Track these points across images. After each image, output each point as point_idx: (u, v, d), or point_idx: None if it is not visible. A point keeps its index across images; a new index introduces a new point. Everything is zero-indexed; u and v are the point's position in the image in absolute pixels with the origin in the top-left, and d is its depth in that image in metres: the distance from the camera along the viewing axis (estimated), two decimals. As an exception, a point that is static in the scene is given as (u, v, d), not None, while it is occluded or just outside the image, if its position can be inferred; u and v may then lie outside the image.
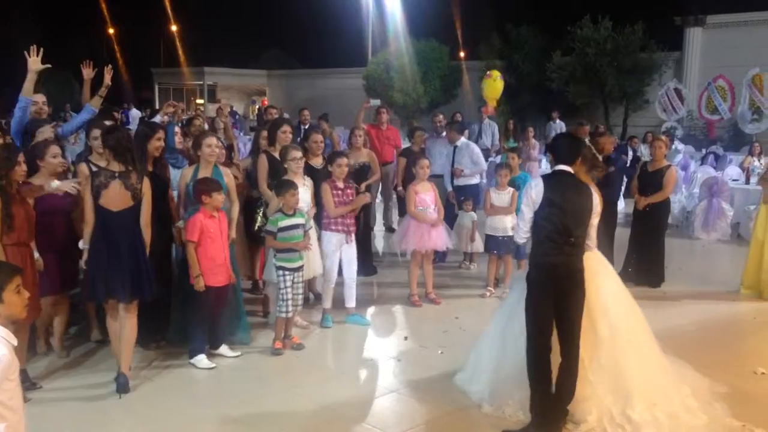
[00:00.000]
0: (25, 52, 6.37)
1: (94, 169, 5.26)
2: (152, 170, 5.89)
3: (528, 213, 4.58)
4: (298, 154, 6.54)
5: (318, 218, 6.80)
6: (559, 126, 17.78)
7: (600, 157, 5.21)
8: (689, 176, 13.14)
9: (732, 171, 13.17)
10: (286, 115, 14.13)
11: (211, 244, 5.62)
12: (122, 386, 5.13)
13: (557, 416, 4.52)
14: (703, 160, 14.98)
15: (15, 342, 2.98)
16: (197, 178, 5.84)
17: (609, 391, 4.66)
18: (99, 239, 5.10)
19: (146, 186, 5.23)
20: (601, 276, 4.89)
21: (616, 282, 5.05)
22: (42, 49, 6.37)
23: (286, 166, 6.50)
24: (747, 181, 12.02)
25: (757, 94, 18.04)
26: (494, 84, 14.43)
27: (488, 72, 15.29)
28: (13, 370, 2.94)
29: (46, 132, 6.19)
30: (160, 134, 5.96)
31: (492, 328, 5.22)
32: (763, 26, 21.68)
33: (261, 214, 6.74)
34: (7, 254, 4.85)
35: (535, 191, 4.52)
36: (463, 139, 9.36)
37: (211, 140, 6.10)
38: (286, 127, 7.07)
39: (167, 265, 6.06)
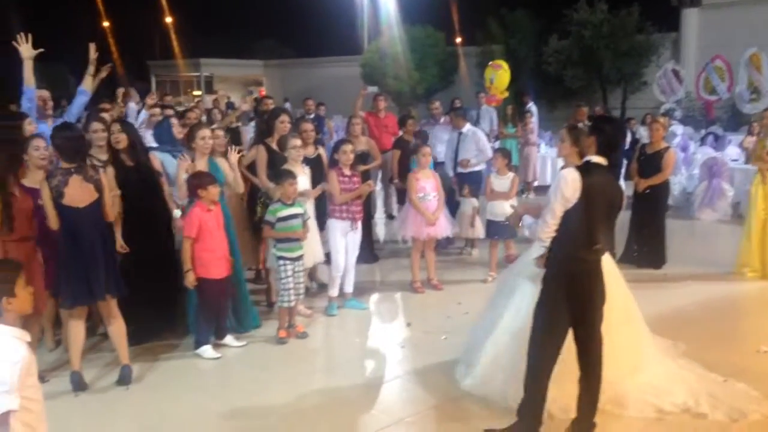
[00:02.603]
0: (14, 43, 6.22)
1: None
2: (133, 164, 5.80)
3: (560, 212, 3.98)
4: (298, 142, 6.57)
5: (323, 205, 6.81)
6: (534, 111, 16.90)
7: None
8: (689, 157, 13.13)
9: (731, 151, 13.15)
10: (288, 105, 14.04)
11: (209, 238, 5.61)
12: (126, 377, 5.14)
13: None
14: (702, 141, 14.94)
15: (29, 338, 3.07)
16: (191, 173, 5.82)
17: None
18: (70, 241, 4.89)
19: (104, 178, 5.12)
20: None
21: (609, 260, 5.06)
22: (31, 35, 6.22)
23: (286, 154, 6.51)
24: (747, 161, 12.00)
25: (755, 74, 17.97)
26: (505, 74, 14.36)
27: (496, 63, 15.05)
28: (33, 366, 3.02)
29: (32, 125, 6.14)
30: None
31: (493, 315, 5.12)
32: (759, 5, 21.58)
33: (261, 204, 6.74)
34: (10, 250, 4.86)
35: (570, 189, 3.92)
36: (468, 126, 9.15)
37: (205, 132, 6.12)
38: (284, 117, 7.05)
39: (169, 259, 6.03)
